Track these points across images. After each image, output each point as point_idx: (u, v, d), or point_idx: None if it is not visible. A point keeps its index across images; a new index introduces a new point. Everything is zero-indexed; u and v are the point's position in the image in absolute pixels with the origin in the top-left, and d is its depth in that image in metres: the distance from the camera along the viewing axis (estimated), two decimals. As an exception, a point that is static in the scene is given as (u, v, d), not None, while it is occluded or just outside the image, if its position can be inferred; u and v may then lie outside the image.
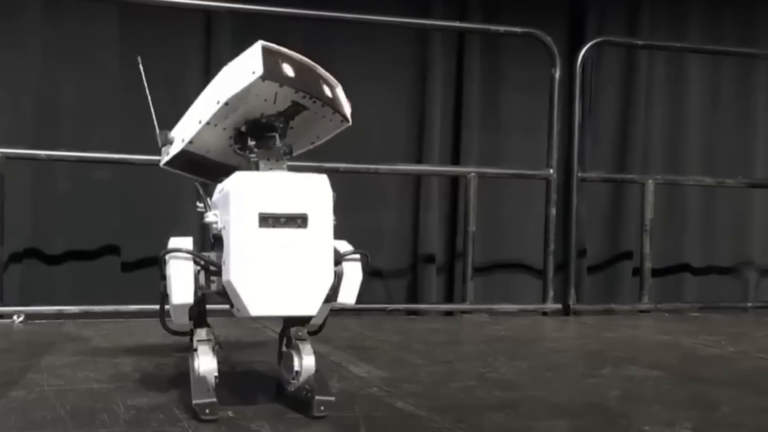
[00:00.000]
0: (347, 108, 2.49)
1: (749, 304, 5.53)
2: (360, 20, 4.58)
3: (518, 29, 4.86)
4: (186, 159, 2.53)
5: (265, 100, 2.34)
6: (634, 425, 2.35)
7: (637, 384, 2.97)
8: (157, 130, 2.54)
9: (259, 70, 2.23)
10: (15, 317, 3.97)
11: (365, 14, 4.56)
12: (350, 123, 2.49)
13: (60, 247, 4.53)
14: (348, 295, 2.34)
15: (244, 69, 2.28)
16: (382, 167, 4.68)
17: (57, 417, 2.24)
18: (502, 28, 4.91)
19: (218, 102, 2.33)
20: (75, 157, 4.23)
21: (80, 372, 2.80)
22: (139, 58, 2.62)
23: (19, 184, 4.28)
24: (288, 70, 2.30)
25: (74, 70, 4.55)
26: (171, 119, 4.68)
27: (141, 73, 2.59)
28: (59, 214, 4.53)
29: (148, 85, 2.58)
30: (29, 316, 4.00)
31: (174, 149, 2.51)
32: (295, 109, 2.39)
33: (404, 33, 5.08)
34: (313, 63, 2.42)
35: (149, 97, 2.57)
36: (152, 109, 2.56)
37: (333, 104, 2.43)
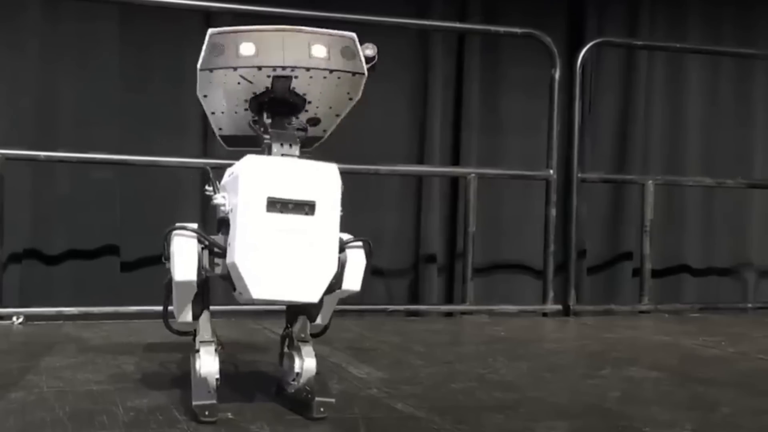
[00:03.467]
0: (356, 59, 2.33)
1: (749, 305, 5.53)
2: (360, 21, 4.58)
3: (518, 30, 4.85)
4: (233, 134, 2.55)
5: (239, 83, 2.31)
6: (633, 426, 2.35)
7: (637, 385, 2.97)
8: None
9: (200, 63, 2.25)
10: (14, 318, 3.96)
11: (365, 15, 4.56)
12: (365, 74, 2.33)
13: (59, 248, 4.52)
14: (353, 282, 2.33)
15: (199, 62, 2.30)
16: (382, 168, 4.68)
17: (56, 419, 2.24)
18: (502, 29, 4.91)
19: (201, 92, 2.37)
20: (74, 157, 4.22)
21: (79, 373, 2.80)
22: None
23: (19, 184, 4.27)
24: (247, 49, 2.25)
25: (74, 71, 4.55)
26: (171, 118, 4.70)
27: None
28: (58, 215, 4.52)
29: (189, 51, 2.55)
30: (28, 317, 3.99)
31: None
32: (281, 81, 2.31)
33: (404, 34, 5.07)
34: (297, 28, 2.31)
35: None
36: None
37: (321, 65, 2.30)
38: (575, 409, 2.56)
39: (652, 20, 5.62)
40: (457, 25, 5.22)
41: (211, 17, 4.70)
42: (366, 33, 4.76)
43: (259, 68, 2.27)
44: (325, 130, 2.53)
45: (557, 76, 4.82)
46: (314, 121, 2.46)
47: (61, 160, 4.27)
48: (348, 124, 5.08)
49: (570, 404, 2.63)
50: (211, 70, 2.25)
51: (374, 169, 4.64)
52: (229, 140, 2.58)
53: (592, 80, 5.44)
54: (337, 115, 2.48)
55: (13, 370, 2.81)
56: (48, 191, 4.51)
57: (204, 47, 2.25)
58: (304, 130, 2.40)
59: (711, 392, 2.85)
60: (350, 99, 2.42)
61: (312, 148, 2.51)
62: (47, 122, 4.50)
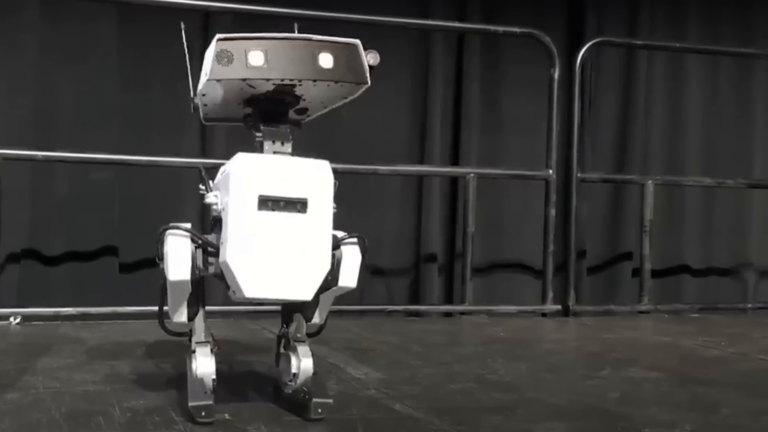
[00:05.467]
0: (360, 69, 2.30)
1: (749, 305, 5.52)
2: (360, 20, 4.57)
3: (517, 29, 4.85)
4: (216, 117, 2.52)
5: (242, 89, 2.29)
6: (633, 427, 2.34)
7: (637, 385, 2.96)
8: (192, 94, 2.45)
9: (209, 73, 2.20)
10: (12, 319, 3.96)
11: (365, 14, 4.55)
12: (368, 83, 2.31)
13: (58, 249, 4.51)
14: (348, 279, 2.30)
15: (205, 65, 2.25)
16: (381, 168, 4.67)
17: (52, 420, 2.23)
18: (501, 29, 4.90)
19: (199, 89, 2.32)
20: (73, 157, 4.21)
21: (76, 374, 2.79)
22: (181, 24, 2.56)
23: (17, 184, 4.26)
24: (256, 58, 2.20)
25: (72, 71, 4.54)
26: (171, 119, 4.69)
27: (183, 40, 2.50)
28: (57, 215, 4.51)
29: (188, 51, 2.50)
30: (26, 318, 3.98)
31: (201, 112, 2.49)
32: (284, 88, 2.29)
33: (404, 33, 5.06)
34: (305, 36, 2.27)
35: (188, 64, 2.46)
36: (190, 75, 2.45)
37: (329, 77, 2.28)
38: (574, 410, 2.55)
39: (651, 20, 5.61)
40: (457, 24, 5.21)
41: (210, 17, 4.70)
42: (366, 33, 4.76)
43: (267, 79, 2.25)
44: (309, 116, 2.50)
45: (557, 75, 4.81)
46: (302, 111, 2.44)
47: (59, 160, 4.27)
48: (348, 124, 5.08)
49: (569, 405, 2.62)
50: (218, 81, 2.23)
51: (374, 169, 4.63)
52: (210, 120, 2.56)
53: (591, 80, 5.43)
54: (326, 107, 2.46)
55: (10, 371, 2.80)
56: (46, 191, 4.50)
57: (211, 54, 2.20)
58: (298, 125, 2.39)
59: (711, 393, 2.84)
60: (344, 98, 2.41)
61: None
62: (46, 122, 4.49)
